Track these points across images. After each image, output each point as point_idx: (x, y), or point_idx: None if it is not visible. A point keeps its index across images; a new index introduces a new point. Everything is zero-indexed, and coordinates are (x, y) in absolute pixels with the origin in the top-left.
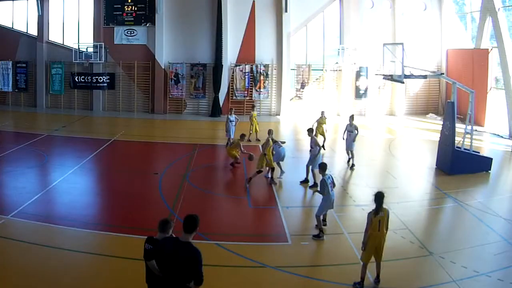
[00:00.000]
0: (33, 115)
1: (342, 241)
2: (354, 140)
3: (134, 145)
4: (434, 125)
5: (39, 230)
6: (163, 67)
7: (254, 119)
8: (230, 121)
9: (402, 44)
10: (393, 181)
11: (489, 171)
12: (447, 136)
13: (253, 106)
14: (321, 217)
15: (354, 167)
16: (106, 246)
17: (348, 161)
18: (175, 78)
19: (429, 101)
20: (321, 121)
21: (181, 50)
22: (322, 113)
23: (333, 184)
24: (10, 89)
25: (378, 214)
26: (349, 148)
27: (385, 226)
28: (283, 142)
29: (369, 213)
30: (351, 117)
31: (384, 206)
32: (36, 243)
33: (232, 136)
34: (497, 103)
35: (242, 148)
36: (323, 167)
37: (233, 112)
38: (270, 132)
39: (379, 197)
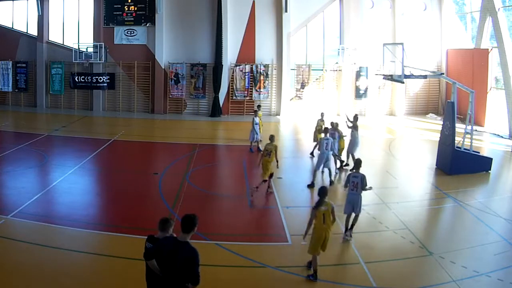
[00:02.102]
0: (33, 115)
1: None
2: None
3: (134, 145)
4: (434, 125)
5: (39, 230)
6: (163, 67)
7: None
8: (256, 124)
9: (402, 44)
10: (393, 181)
11: (489, 171)
12: (447, 136)
13: (258, 106)
14: (348, 217)
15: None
16: (106, 246)
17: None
18: (175, 78)
19: (429, 101)
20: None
21: (181, 50)
22: (322, 114)
23: (359, 185)
24: (10, 89)
25: (321, 208)
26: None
27: (330, 218)
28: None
29: (313, 208)
30: (355, 117)
31: (327, 200)
32: (36, 243)
33: (259, 139)
34: (497, 103)
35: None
36: (357, 163)
37: (258, 114)
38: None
39: (322, 192)
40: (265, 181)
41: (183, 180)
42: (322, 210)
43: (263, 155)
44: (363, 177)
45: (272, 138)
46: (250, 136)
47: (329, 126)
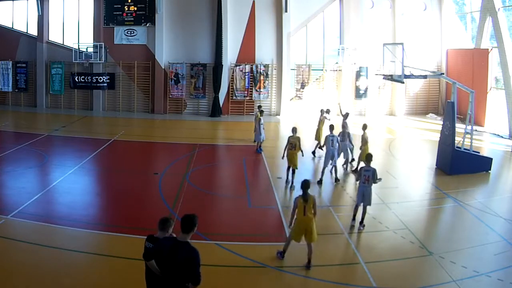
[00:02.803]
0: (33, 115)
1: (342, 241)
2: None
3: (134, 145)
4: (434, 125)
5: (39, 230)
6: (163, 67)
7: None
8: (261, 123)
9: (402, 44)
10: (393, 181)
11: (489, 171)
12: (447, 136)
13: (259, 106)
14: (357, 208)
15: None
16: (106, 246)
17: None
18: (175, 78)
19: (429, 101)
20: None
21: (181, 50)
22: (322, 111)
23: (370, 179)
24: (10, 89)
25: (307, 202)
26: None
27: (311, 211)
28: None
29: (296, 198)
30: (345, 115)
31: (309, 193)
32: (36, 243)
33: (262, 139)
34: (497, 103)
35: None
36: (368, 157)
37: (263, 113)
38: (364, 127)
39: (305, 185)
40: (289, 168)
41: (183, 180)
42: (303, 202)
43: (288, 148)
44: (374, 171)
45: (294, 130)
46: (256, 137)
47: (341, 128)
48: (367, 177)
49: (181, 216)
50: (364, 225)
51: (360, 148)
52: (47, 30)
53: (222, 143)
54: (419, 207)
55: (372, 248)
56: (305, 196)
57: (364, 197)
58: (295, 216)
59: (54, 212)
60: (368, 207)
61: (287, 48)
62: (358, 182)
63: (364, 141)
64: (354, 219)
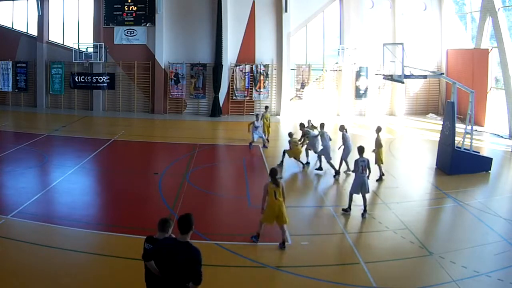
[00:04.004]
0: (33, 115)
1: (342, 241)
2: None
3: (134, 145)
4: (434, 125)
5: (39, 230)
6: (163, 67)
7: (266, 120)
8: (255, 126)
9: (402, 44)
10: (393, 181)
11: (489, 171)
12: (447, 136)
13: (266, 107)
14: (352, 197)
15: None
16: (106, 246)
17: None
18: (175, 78)
19: (429, 101)
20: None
21: (181, 50)
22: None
23: (367, 169)
24: (10, 89)
25: (271, 185)
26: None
27: (281, 195)
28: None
29: (266, 184)
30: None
31: (278, 180)
32: (36, 243)
33: (263, 137)
34: (497, 103)
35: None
36: (360, 149)
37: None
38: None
39: (272, 172)
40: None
41: (183, 180)
42: (273, 187)
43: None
44: (368, 161)
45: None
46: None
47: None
48: (364, 167)
49: None
50: (367, 214)
51: (373, 151)
52: (47, 30)
53: (222, 143)
54: (419, 207)
55: (372, 248)
56: (274, 182)
57: (363, 186)
58: (266, 201)
59: (54, 212)
60: (368, 205)
61: (287, 48)
62: (355, 173)
63: (378, 144)
64: (350, 207)
